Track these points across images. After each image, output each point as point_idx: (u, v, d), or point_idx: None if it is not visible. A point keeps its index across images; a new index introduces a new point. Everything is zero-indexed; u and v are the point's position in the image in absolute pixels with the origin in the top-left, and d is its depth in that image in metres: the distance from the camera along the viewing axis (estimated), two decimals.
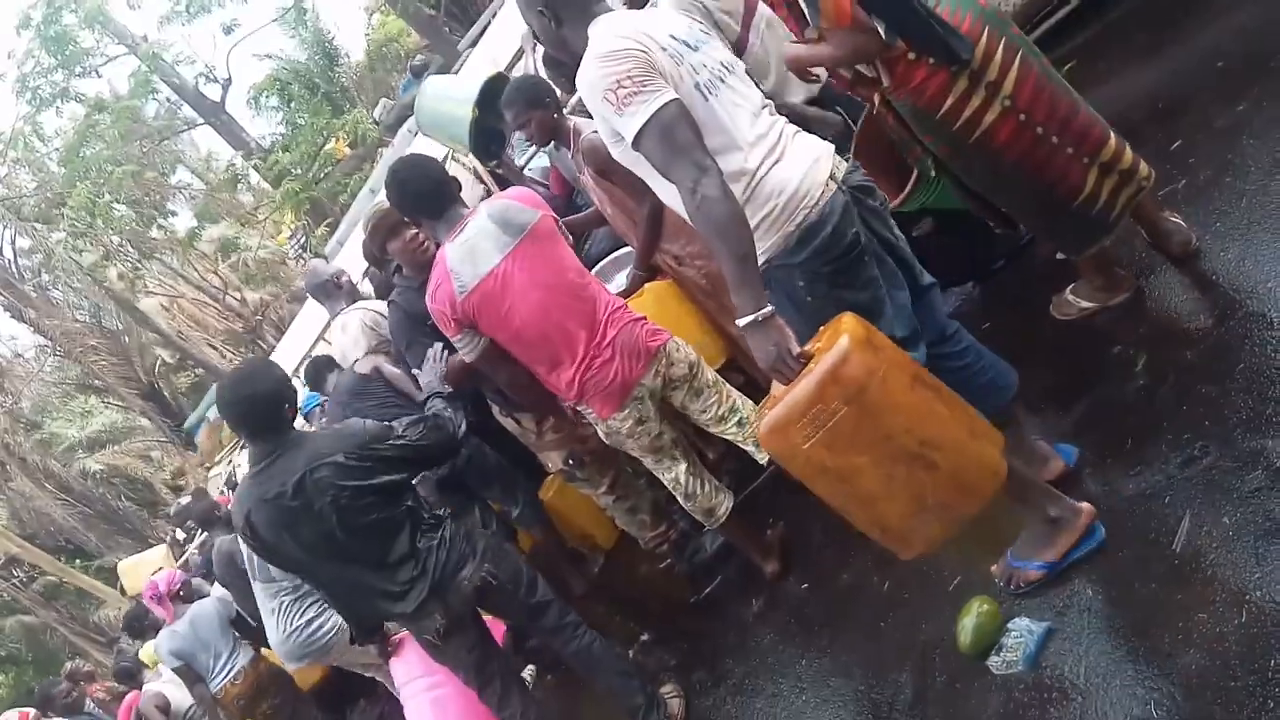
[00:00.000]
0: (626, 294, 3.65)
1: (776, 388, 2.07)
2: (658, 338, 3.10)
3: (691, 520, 3.45)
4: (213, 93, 19.09)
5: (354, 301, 4.46)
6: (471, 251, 3.00)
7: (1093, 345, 2.55)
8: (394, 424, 3.04)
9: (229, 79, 18.82)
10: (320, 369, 4.70)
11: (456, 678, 3.20)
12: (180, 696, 5.90)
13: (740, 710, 3.04)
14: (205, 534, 7.20)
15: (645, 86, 1.99)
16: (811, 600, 3.14)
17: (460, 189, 3.38)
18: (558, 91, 3.79)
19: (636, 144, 2.02)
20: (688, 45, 2.13)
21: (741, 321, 2.00)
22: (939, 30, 2.49)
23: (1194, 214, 2.85)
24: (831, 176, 2.13)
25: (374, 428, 2.99)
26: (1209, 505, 2.13)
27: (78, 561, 17.97)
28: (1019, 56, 2.58)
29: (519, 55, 5.52)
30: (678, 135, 1.99)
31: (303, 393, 4.45)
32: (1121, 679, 2.02)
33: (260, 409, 2.91)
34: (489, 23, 7.86)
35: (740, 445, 3.20)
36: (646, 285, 3.69)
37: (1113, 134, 2.68)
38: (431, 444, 3.05)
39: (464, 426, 3.16)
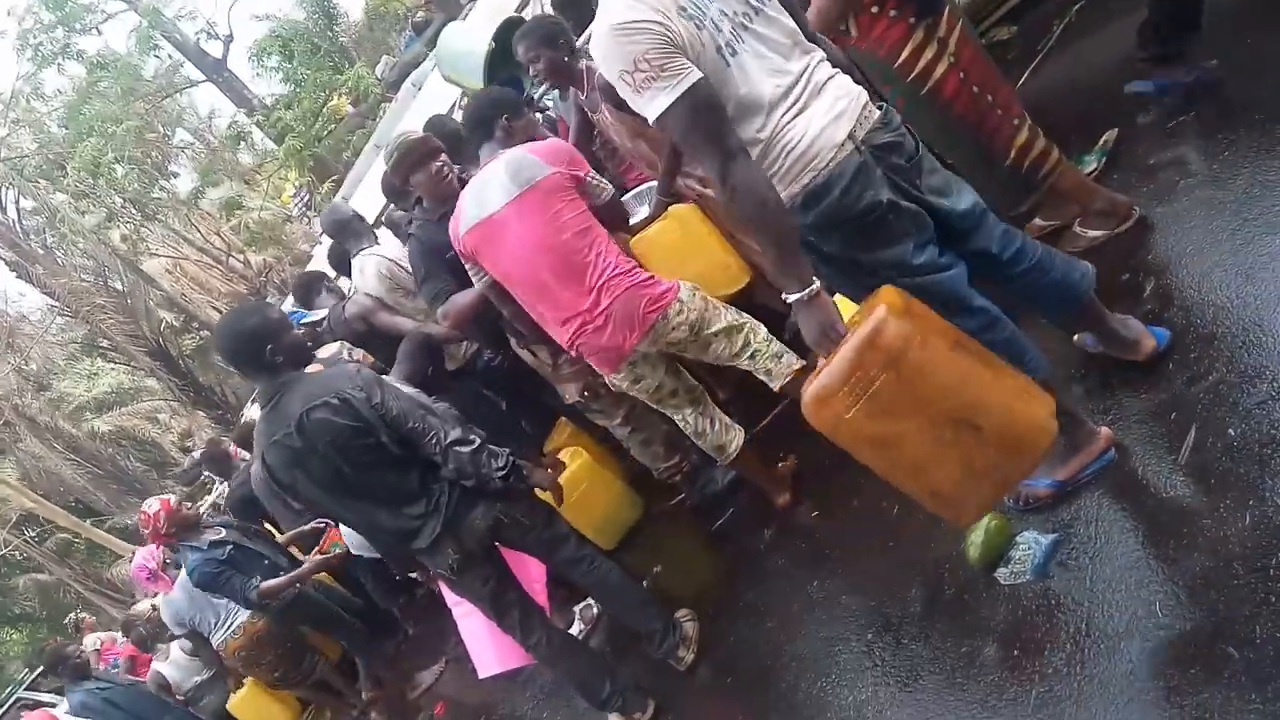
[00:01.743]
0: (650, 219, 3.65)
1: (822, 364, 2.06)
2: (658, 305, 3.00)
3: (703, 453, 3.51)
4: (214, 50, 18.94)
5: (374, 242, 4.53)
6: (480, 191, 3.09)
7: (1102, 272, 2.58)
8: (384, 391, 2.99)
9: (230, 35, 18.68)
10: (309, 285, 4.79)
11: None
12: (180, 678, 6.04)
13: (753, 632, 3.12)
14: (222, 485, 7.24)
15: (664, 70, 1.88)
16: (822, 526, 3.22)
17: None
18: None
19: (658, 126, 1.95)
20: None
21: (791, 299, 1.99)
22: None
23: (1204, 144, 2.89)
24: (851, 136, 2.05)
25: (363, 380, 2.97)
26: (1214, 419, 2.19)
27: (88, 522, 18.14)
28: (960, 21, 2.82)
29: (524, 5, 5.51)
30: (702, 121, 1.91)
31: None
32: (1127, 584, 2.10)
33: (240, 346, 2.97)
34: None
35: (755, 374, 3.20)
36: (670, 209, 3.67)
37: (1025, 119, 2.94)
38: (409, 427, 2.95)
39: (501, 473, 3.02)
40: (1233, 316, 2.35)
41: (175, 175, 21.79)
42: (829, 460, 3.37)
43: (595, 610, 3.96)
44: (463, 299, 3.51)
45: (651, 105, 1.91)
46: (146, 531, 5.13)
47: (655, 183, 3.75)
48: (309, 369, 3.19)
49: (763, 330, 3.15)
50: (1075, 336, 2.61)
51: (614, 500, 4.25)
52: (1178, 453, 2.20)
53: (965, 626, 2.39)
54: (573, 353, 3.17)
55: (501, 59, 4.30)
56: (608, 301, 2.99)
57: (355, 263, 4.42)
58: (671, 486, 4.00)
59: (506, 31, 3.99)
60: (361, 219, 4.83)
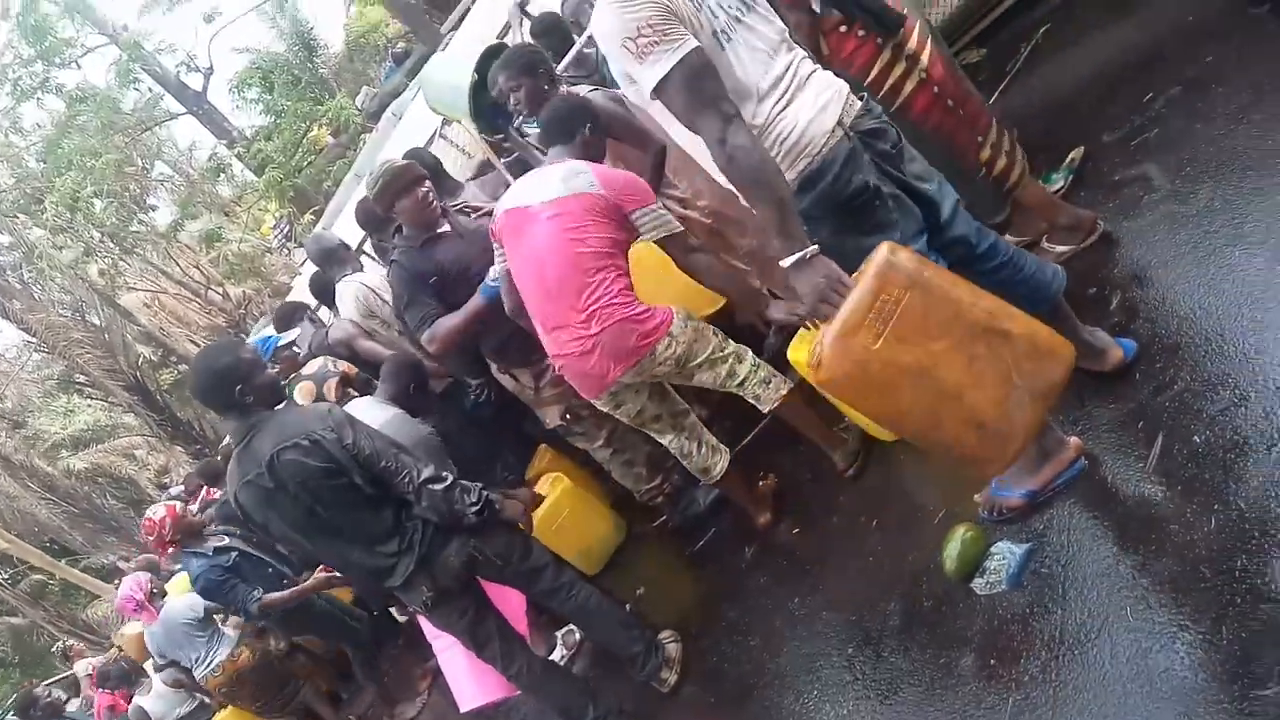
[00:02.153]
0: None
1: (819, 333, 2.05)
2: (649, 339, 2.97)
3: (685, 473, 3.53)
4: (194, 82, 18.97)
5: (358, 270, 4.57)
6: (532, 182, 3.16)
7: (1071, 286, 2.64)
8: (355, 432, 2.96)
9: (210, 68, 18.72)
10: (290, 315, 4.80)
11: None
12: (163, 710, 5.96)
13: (736, 650, 3.13)
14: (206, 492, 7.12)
15: (666, 35, 1.94)
16: (802, 543, 3.24)
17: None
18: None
19: (656, 94, 1.99)
20: None
21: (787, 261, 2.01)
22: (868, 2, 2.80)
23: (1166, 160, 2.96)
24: (839, 123, 2.12)
25: (335, 419, 2.95)
26: (1180, 427, 2.23)
27: (63, 561, 17.86)
28: (930, 38, 2.94)
29: (505, 31, 5.58)
30: (702, 85, 1.96)
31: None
32: (1099, 590, 2.13)
33: (211, 385, 2.96)
34: (471, 5, 7.88)
35: (744, 398, 3.18)
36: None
37: (995, 122, 3.03)
38: (380, 466, 2.93)
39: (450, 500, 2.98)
40: (1196, 327, 2.40)
41: (154, 208, 21.71)
42: (809, 477, 3.43)
43: (577, 635, 3.95)
44: (450, 321, 3.50)
45: (653, 70, 1.96)
46: (151, 539, 5.07)
47: None
48: (301, 384, 3.21)
49: (750, 356, 3.13)
50: None
51: (596, 525, 4.25)
52: (1145, 460, 2.24)
53: (943, 638, 2.41)
54: (557, 367, 3.17)
55: (485, 88, 4.34)
56: (598, 329, 2.96)
57: (338, 289, 4.45)
58: (654, 508, 4.01)
59: (487, 61, 4.05)
60: (347, 247, 4.87)
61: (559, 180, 3.07)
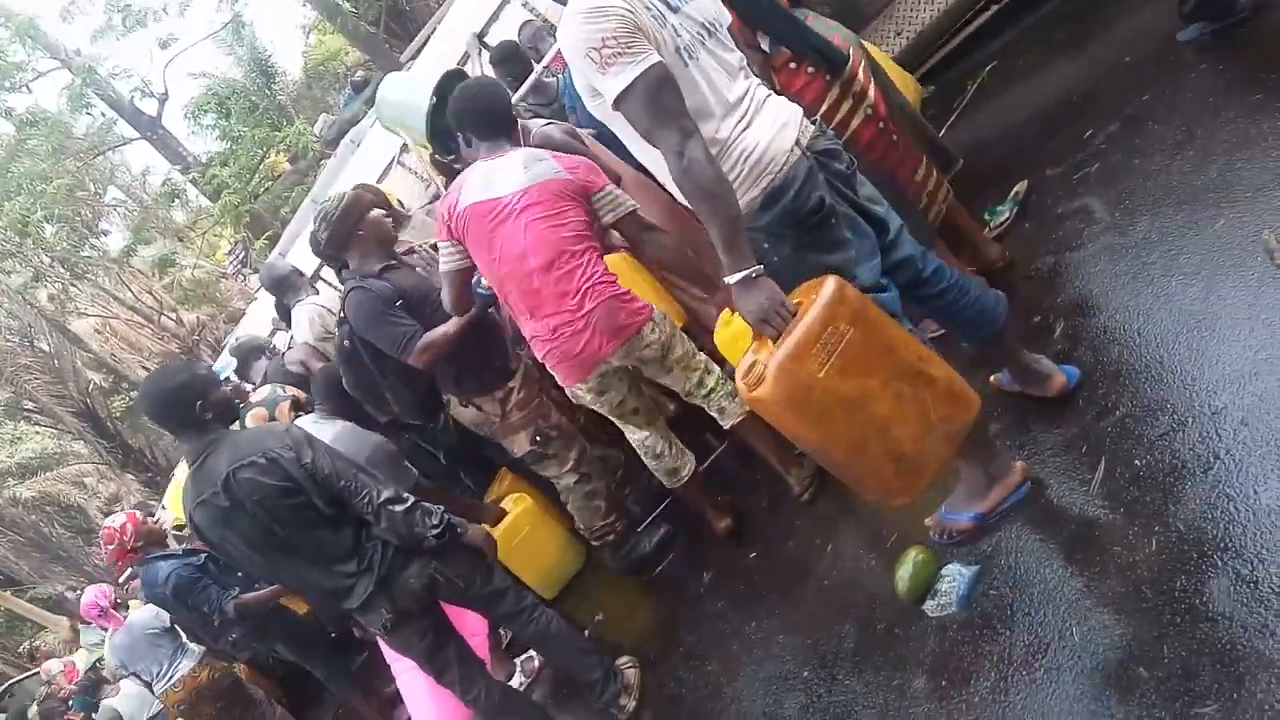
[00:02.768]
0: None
1: (758, 355, 2.13)
2: (637, 318, 3.05)
3: (630, 520, 3.62)
4: (149, 108, 18.75)
5: (313, 294, 4.57)
6: (490, 175, 3.09)
7: (1015, 315, 2.71)
8: (314, 451, 2.92)
9: (165, 93, 18.51)
10: (246, 354, 4.75)
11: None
12: (133, 710, 5.80)
13: (693, 675, 3.13)
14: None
15: (629, 48, 1.97)
16: (759, 568, 3.26)
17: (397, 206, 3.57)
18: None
19: (618, 105, 2.01)
20: (668, 6, 2.09)
21: (732, 279, 2.06)
22: (815, 41, 2.90)
23: (1106, 194, 3.06)
24: (797, 143, 2.18)
25: (293, 438, 2.91)
26: (1122, 451, 2.30)
27: (9, 592, 17.32)
28: (873, 76, 3.06)
29: (464, 61, 5.63)
30: (662, 99, 1.99)
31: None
32: (1045, 612, 2.18)
33: (168, 403, 2.90)
34: (430, 35, 7.94)
35: (707, 410, 3.26)
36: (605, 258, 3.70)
37: (923, 161, 3.20)
38: (339, 485, 2.89)
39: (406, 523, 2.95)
40: (1136, 354, 2.49)
41: (106, 233, 21.41)
42: (765, 504, 3.46)
43: (536, 662, 3.93)
44: (440, 333, 3.44)
45: (615, 81, 1.98)
46: (111, 548, 4.87)
47: None
48: (252, 411, 3.16)
49: (718, 370, 3.22)
50: (991, 376, 2.73)
51: (556, 547, 4.23)
52: (1089, 484, 2.31)
53: (896, 660, 2.44)
54: (542, 355, 3.13)
55: (443, 111, 4.36)
56: (591, 305, 3.00)
57: (294, 314, 4.43)
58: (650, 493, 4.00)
59: (447, 84, 4.08)
60: (300, 273, 4.87)
61: (522, 169, 3.06)
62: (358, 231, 3.57)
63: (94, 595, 5.26)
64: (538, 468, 3.80)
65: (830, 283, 2.07)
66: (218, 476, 2.81)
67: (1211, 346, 2.32)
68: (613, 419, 3.31)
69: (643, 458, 3.39)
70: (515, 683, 3.86)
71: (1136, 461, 2.24)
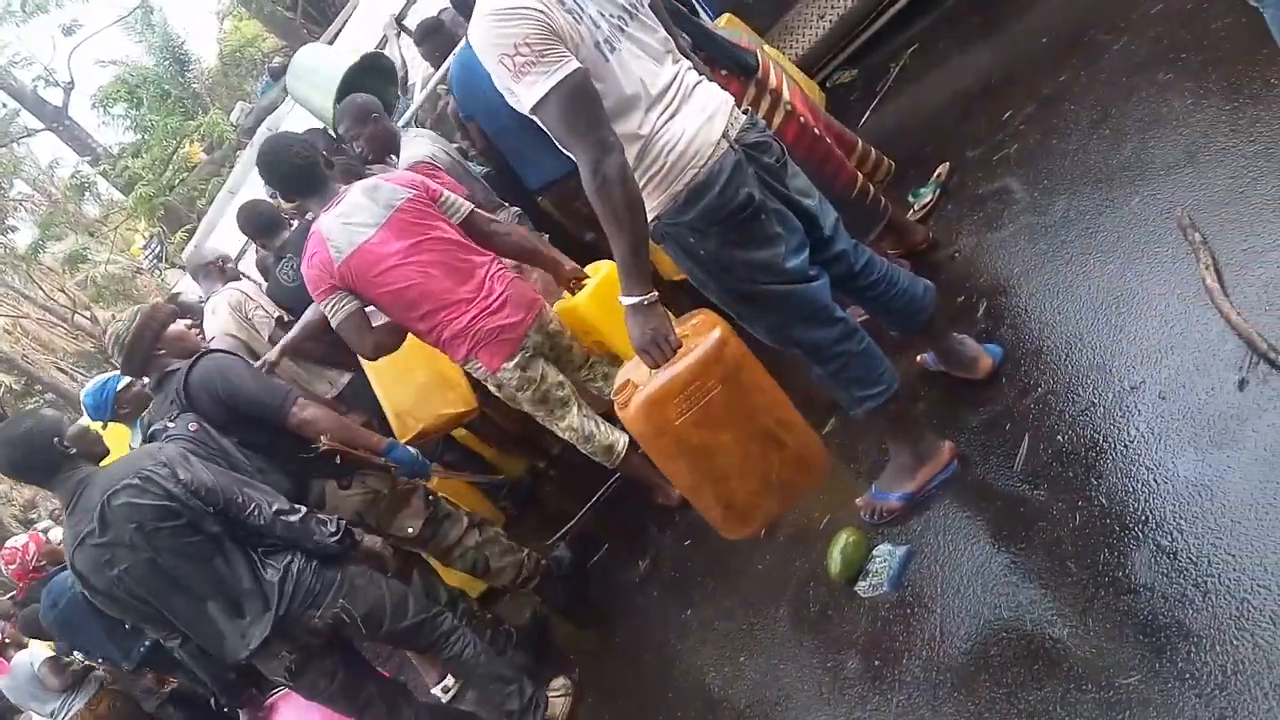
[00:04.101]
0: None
1: (634, 373, 2.16)
2: (539, 296, 3.26)
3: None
4: (54, 97, 17.97)
5: (228, 283, 4.39)
6: (346, 222, 3.07)
7: (939, 295, 2.73)
8: (190, 465, 2.74)
9: (71, 82, 17.75)
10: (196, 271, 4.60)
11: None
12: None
13: (629, 665, 3.12)
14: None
15: (544, 56, 1.86)
16: (693, 555, 3.26)
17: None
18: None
19: (534, 113, 1.92)
20: None
21: (627, 301, 2.02)
22: (727, 46, 2.96)
23: (1025, 174, 3.10)
24: (725, 135, 2.10)
25: (168, 453, 2.75)
26: (1045, 427, 2.34)
27: None
28: (783, 74, 3.14)
29: (383, 45, 5.48)
30: (578, 111, 1.90)
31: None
32: (974, 589, 2.20)
33: (25, 451, 2.75)
34: (347, 19, 7.73)
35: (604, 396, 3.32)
36: None
37: (859, 139, 3.30)
38: (224, 500, 2.74)
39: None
40: (1056, 331, 2.52)
41: (14, 230, 20.50)
42: None
43: None
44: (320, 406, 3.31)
45: (530, 91, 1.89)
46: (12, 568, 4.67)
47: None
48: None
49: (606, 358, 3.37)
50: (918, 357, 2.75)
51: None
52: (1014, 461, 2.33)
53: (830, 642, 2.45)
54: (464, 352, 3.12)
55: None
56: (500, 288, 3.13)
57: (207, 306, 4.25)
58: (549, 520, 3.95)
59: (358, 73, 4.02)
60: (220, 264, 4.65)
61: (370, 204, 3.08)
62: (156, 352, 3.28)
63: None
64: (438, 543, 3.44)
65: (716, 334, 2.08)
66: (93, 509, 2.62)
67: (1129, 323, 2.36)
68: (540, 410, 3.24)
69: (578, 446, 3.33)
70: (450, 681, 3.79)
71: (1059, 438, 2.28)
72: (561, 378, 3.25)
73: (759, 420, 2.16)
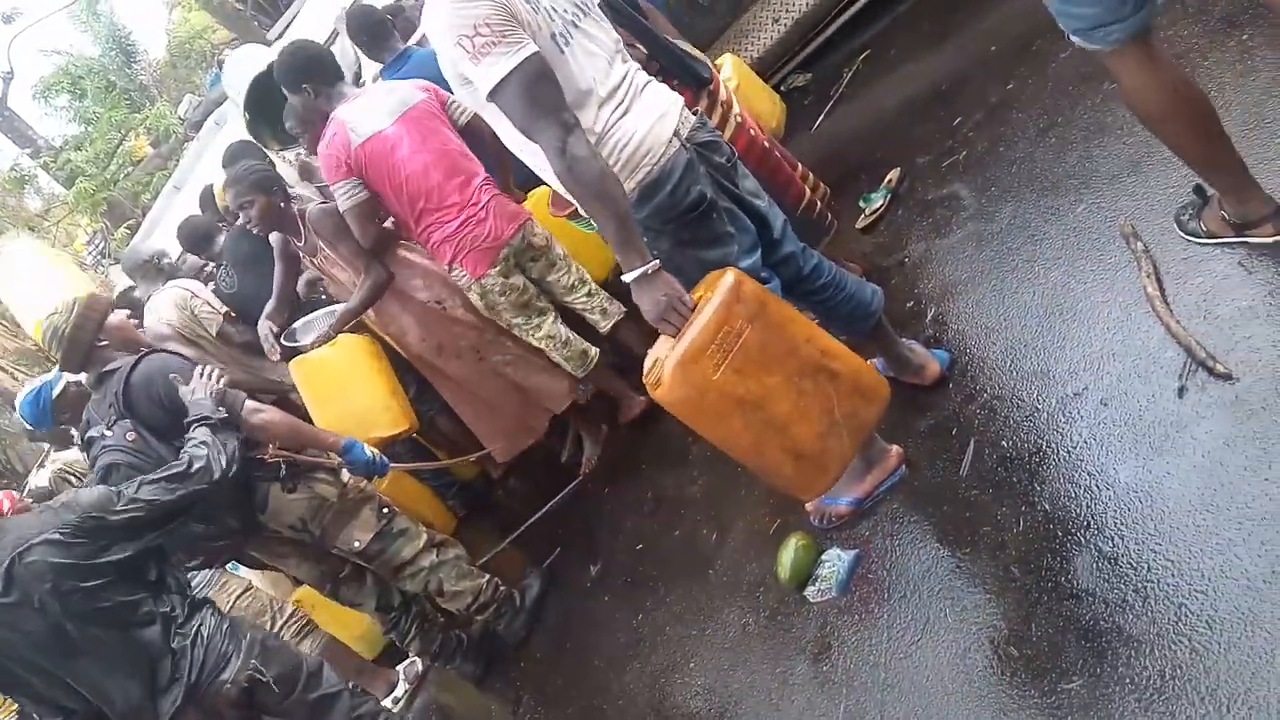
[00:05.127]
0: (316, 344, 3.63)
1: (659, 350, 2.09)
2: (523, 211, 3.50)
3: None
4: None
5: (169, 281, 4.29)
6: (365, 112, 3.34)
7: (892, 301, 2.75)
8: (124, 487, 2.59)
9: (10, 72, 17.24)
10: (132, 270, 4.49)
11: None
12: None
13: (579, 670, 3.10)
14: None
15: (505, 37, 1.86)
16: (645, 560, 3.24)
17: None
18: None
19: (493, 97, 1.91)
20: None
21: (629, 276, 1.99)
22: (680, 56, 3.00)
23: (973, 181, 3.14)
24: (676, 133, 2.10)
25: (95, 496, 2.56)
26: (990, 433, 2.36)
27: None
28: (732, 87, 3.23)
29: (333, 38, 5.40)
30: (540, 93, 1.89)
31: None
32: (920, 593, 2.21)
33: None
34: (298, 11, 7.60)
35: (586, 315, 3.62)
36: (340, 337, 3.64)
37: (799, 162, 3.40)
38: (175, 499, 2.60)
39: (234, 455, 2.75)
40: (1000, 337, 2.55)
41: None
42: (650, 494, 3.45)
43: (419, 666, 3.82)
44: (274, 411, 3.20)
45: (490, 72, 1.87)
46: None
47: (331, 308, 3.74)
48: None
49: (591, 281, 3.63)
50: (867, 363, 2.76)
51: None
52: (960, 466, 2.35)
53: (779, 648, 2.45)
54: (450, 255, 3.36)
55: (257, 113, 4.21)
56: (487, 198, 3.37)
57: (152, 301, 4.15)
58: (499, 524, 3.92)
59: (258, 96, 3.97)
60: (158, 262, 4.55)
61: (388, 100, 3.37)
62: (98, 343, 3.14)
63: None
64: (387, 560, 3.33)
65: (728, 278, 2.03)
66: None
67: (1073, 329, 2.38)
68: (519, 317, 3.46)
69: (552, 354, 3.55)
70: (400, 692, 3.74)
71: (1004, 443, 2.30)
72: (537, 290, 3.50)
73: (802, 353, 2.08)
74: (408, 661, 3.83)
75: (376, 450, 3.25)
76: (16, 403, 3.63)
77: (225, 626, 2.65)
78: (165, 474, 2.62)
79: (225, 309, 4.12)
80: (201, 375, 2.96)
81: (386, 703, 3.71)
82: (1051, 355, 2.38)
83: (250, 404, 3.04)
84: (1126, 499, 1.96)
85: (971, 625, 2.04)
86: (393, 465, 3.46)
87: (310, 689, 2.74)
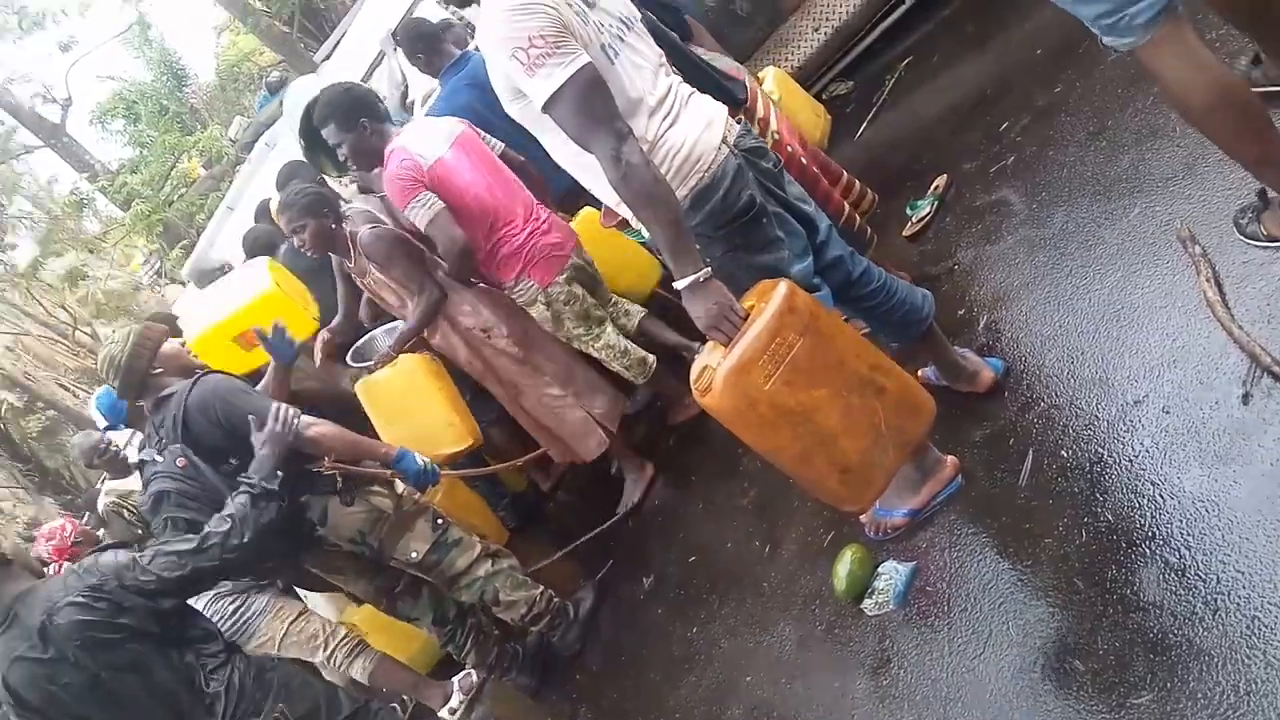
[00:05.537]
0: (378, 365, 3.66)
1: (709, 357, 2.10)
2: (573, 232, 3.68)
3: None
4: (51, 114, 17.97)
5: None
6: (422, 140, 3.46)
7: (943, 309, 2.73)
8: (141, 555, 2.63)
9: (69, 99, 17.76)
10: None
11: None
12: None
13: (635, 684, 3.10)
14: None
15: (559, 48, 1.88)
16: (698, 572, 3.24)
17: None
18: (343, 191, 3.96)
19: (548, 108, 1.93)
20: (585, 1, 2.01)
21: (681, 284, 2.01)
22: (715, 76, 2.98)
23: (1023, 186, 3.10)
24: (724, 140, 2.13)
25: (114, 563, 2.61)
26: (1048, 442, 2.33)
27: None
28: (772, 103, 3.22)
29: (379, 59, 5.49)
30: (595, 102, 1.92)
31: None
32: (981, 606, 2.19)
33: None
34: (344, 34, 7.74)
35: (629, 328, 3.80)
36: (401, 359, 3.67)
37: (844, 171, 3.42)
38: (187, 573, 2.61)
39: (267, 525, 2.75)
40: (1057, 345, 2.52)
41: (13, 247, 20.50)
42: (699, 506, 3.45)
43: (474, 678, 3.85)
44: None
45: (545, 84, 1.90)
46: (52, 543, 4.73)
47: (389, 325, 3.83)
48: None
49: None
50: (919, 371, 2.74)
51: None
52: (1018, 476, 2.32)
53: (837, 661, 2.44)
54: (519, 268, 3.48)
55: (313, 143, 4.24)
56: (545, 214, 3.57)
57: None
58: (551, 537, 3.92)
59: (311, 129, 4.01)
60: (230, 267, 4.74)
61: (436, 130, 3.52)
62: (153, 371, 3.19)
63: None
64: (443, 570, 3.36)
65: (781, 290, 2.04)
66: (32, 629, 2.50)
67: (1131, 336, 2.35)
68: (580, 327, 3.55)
69: (610, 364, 3.63)
70: (455, 702, 3.77)
71: (1063, 453, 2.27)
72: (597, 301, 3.64)
73: (851, 368, 2.10)
74: (462, 674, 3.87)
75: (428, 459, 3.30)
76: (94, 398, 3.79)
77: (253, 672, 2.70)
78: (178, 547, 2.65)
79: None
80: (277, 420, 2.94)
81: (444, 713, 3.76)
82: (1110, 362, 2.35)
83: (306, 418, 3.08)
84: (1193, 509, 1.92)
85: (1035, 639, 2.02)
86: (444, 471, 3.51)
87: (331, 716, 2.76)
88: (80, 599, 2.52)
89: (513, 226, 3.46)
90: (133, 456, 3.94)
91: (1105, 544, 2.03)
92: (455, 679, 3.87)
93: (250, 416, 2.97)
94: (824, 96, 4.71)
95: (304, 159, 4.40)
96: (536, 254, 3.47)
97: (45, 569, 4.55)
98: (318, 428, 3.11)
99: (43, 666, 2.51)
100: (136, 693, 2.57)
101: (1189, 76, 1.90)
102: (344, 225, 3.63)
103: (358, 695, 2.93)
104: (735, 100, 3.01)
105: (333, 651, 3.81)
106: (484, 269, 3.56)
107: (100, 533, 5.05)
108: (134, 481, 4.38)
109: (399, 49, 5.04)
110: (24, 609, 2.56)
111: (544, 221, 3.52)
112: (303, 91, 4.91)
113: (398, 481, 3.31)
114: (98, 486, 6.36)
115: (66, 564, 4.70)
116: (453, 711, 3.76)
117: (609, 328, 3.61)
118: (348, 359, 3.78)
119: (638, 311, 3.82)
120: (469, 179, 3.43)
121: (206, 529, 2.68)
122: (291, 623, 3.80)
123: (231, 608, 3.69)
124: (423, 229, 3.40)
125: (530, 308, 3.56)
